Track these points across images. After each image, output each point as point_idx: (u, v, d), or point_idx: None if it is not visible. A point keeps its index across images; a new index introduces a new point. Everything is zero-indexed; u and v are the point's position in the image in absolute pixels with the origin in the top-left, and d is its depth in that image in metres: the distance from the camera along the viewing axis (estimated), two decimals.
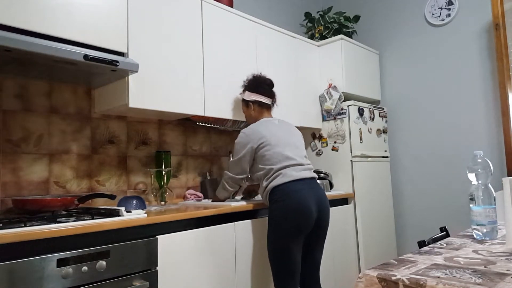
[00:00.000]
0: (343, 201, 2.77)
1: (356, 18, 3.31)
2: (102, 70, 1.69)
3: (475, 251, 1.15)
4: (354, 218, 2.82)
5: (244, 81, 2.22)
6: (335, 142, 2.94)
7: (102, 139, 2.09)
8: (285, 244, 1.79)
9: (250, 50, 2.52)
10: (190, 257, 1.72)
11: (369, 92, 3.25)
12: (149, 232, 1.58)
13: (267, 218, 1.91)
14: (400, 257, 1.11)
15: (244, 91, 2.19)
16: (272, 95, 2.16)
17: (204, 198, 2.43)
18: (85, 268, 1.36)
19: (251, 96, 2.12)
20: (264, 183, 1.90)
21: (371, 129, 3.07)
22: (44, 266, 1.27)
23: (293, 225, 1.79)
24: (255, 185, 2.21)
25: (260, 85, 2.14)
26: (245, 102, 2.17)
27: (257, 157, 1.95)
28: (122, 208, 1.56)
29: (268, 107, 2.15)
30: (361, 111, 2.97)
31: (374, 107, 3.15)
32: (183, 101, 2.07)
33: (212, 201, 2.17)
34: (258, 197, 2.48)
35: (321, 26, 3.24)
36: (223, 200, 2.12)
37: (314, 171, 2.83)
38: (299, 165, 1.93)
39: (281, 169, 1.88)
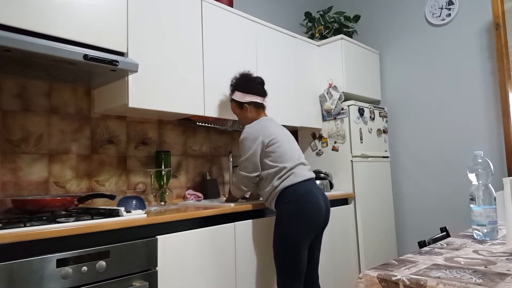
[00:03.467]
0: (343, 201, 2.77)
1: (356, 18, 3.30)
2: (102, 70, 1.69)
3: (475, 251, 1.15)
4: (354, 218, 2.81)
5: (231, 80, 2.13)
6: (335, 142, 2.94)
7: (101, 139, 2.09)
8: (296, 243, 1.78)
9: (250, 50, 2.52)
10: (190, 257, 1.71)
11: (369, 92, 3.24)
12: (148, 232, 1.58)
13: (275, 217, 1.88)
14: (401, 257, 1.11)
15: (233, 91, 2.09)
16: (265, 94, 2.10)
17: (204, 198, 2.43)
18: (84, 268, 1.36)
19: (246, 98, 2.04)
20: (276, 183, 1.85)
21: (371, 129, 3.07)
22: (44, 266, 1.27)
23: (308, 224, 1.79)
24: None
25: (252, 85, 2.06)
26: (238, 104, 2.07)
27: (266, 154, 1.89)
28: (122, 208, 1.56)
29: (263, 107, 2.10)
30: (361, 111, 2.97)
31: (374, 107, 3.14)
32: (183, 101, 2.07)
33: (227, 201, 2.10)
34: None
35: (321, 26, 3.24)
36: (238, 199, 2.06)
37: (314, 171, 2.85)
38: (304, 164, 1.95)
39: (293, 168, 1.87)
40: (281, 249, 1.82)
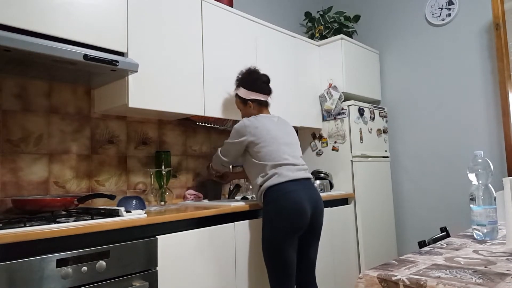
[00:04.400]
0: (343, 201, 2.77)
1: (356, 18, 3.30)
2: (102, 70, 1.69)
3: (475, 251, 1.15)
4: (354, 218, 2.81)
5: (238, 75, 2.14)
6: (335, 142, 2.94)
7: (101, 139, 2.09)
8: (279, 244, 1.78)
9: (250, 50, 2.52)
10: (190, 257, 1.71)
11: (369, 92, 3.24)
12: (148, 232, 1.58)
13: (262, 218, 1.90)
14: (401, 257, 1.11)
15: (238, 86, 2.11)
16: (269, 92, 2.11)
17: (204, 198, 2.43)
18: (84, 268, 1.36)
19: (250, 95, 2.06)
20: (259, 181, 1.88)
21: (371, 129, 3.07)
22: (44, 266, 1.27)
23: (287, 225, 1.78)
24: (228, 173, 2.36)
25: (257, 83, 2.07)
26: (242, 100, 2.11)
27: (252, 153, 1.93)
28: (122, 208, 1.56)
29: (266, 104, 2.12)
30: (361, 111, 2.97)
31: (374, 107, 3.14)
32: (183, 101, 2.07)
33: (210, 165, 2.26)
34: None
35: (321, 26, 3.24)
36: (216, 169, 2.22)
37: (314, 171, 2.85)
38: (294, 165, 1.91)
39: (276, 168, 1.87)
40: (266, 248, 1.82)
